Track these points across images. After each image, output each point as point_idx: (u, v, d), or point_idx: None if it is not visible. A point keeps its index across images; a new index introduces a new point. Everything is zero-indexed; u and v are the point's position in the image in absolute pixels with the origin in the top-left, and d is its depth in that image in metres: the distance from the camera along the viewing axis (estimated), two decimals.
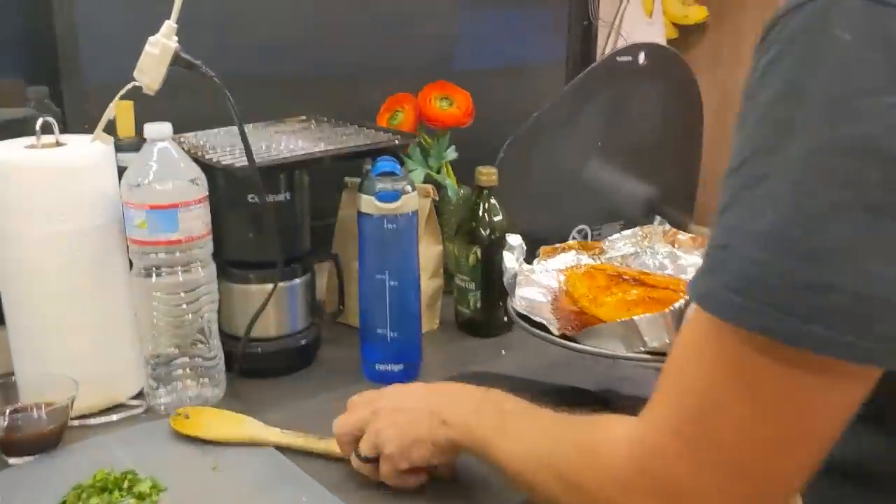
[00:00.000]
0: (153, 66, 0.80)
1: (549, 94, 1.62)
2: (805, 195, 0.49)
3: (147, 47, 0.81)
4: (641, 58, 1.47)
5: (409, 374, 1.10)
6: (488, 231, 1.20)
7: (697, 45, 1.68)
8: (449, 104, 1.30)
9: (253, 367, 1.06)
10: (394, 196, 1.05)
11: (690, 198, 1.68)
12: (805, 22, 0.51)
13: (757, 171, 0.52)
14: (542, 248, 1.10)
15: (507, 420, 0.74)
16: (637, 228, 1.13)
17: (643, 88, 1.50)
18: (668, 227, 1.15)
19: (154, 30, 0.83)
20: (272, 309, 1.07)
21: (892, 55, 0.48)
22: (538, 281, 1.06)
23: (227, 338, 1.06)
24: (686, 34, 1.69)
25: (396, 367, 1.10)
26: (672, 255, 1.11)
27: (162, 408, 0.99)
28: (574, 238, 1.51)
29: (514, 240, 1.06)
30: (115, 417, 0.97)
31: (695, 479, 0.56)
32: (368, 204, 1.04)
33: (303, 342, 1.12)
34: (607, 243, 1.12)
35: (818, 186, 0.49)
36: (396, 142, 1.12)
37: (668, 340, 0.86)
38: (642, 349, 0.88)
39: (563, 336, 0.94)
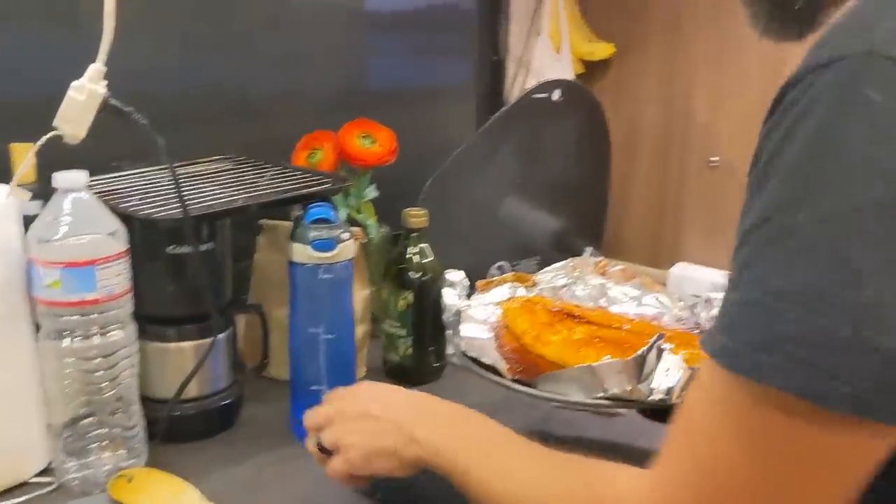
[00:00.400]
0: (78, 113, 0.72)
1: (460, 130, 1.62)
2: (840, 252, 0.47)
3: (71, 93, 0.72)
4: (556, 95, 1.47)
5: None
6: (419, 274, 1.16)
7: (602, 81, 1.71)
8: (371, 142, 1.25)
9: (174, 432, 0.98)
10: (330, 244, 0.99)
11: (600, 230, 1.69)
12: (834, 81, 0.50)
13: (784, 227, 0.50)
14: (478, 283, 1.06)
15: (492, 451, 0.71)
16: (569, 260, 1.12)
17: (557, 124, 1.51)
18: (599, 258, 1.14)
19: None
20: (193, 367, 0.99)
21: None
22: (477, 317, 1.02)
23: (143, 401, 0.96)
24: (592, 69, 1.71)
25: None
26: (602, 287, 1.10)
27: (75, 483, 0.89)
28: (493, 274, 1.49)
29: (455, 275, 1.02)
30: (23, 498, 0.87)
31: None
32: (302, 253, 0.98)
33: (227, 402, 1.04)
34: (540, 276, 1.11)
35: (854, 244, 0.47)
36: (332, 186, 1.06)
37: (628, 387, 0.84)
38: (601, 395, 0.86)
39: (517, 380, 0.91)
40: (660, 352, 0.84)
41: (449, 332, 0.98)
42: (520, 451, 0.70)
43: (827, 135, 0.49)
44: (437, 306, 1.17)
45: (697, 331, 0.98)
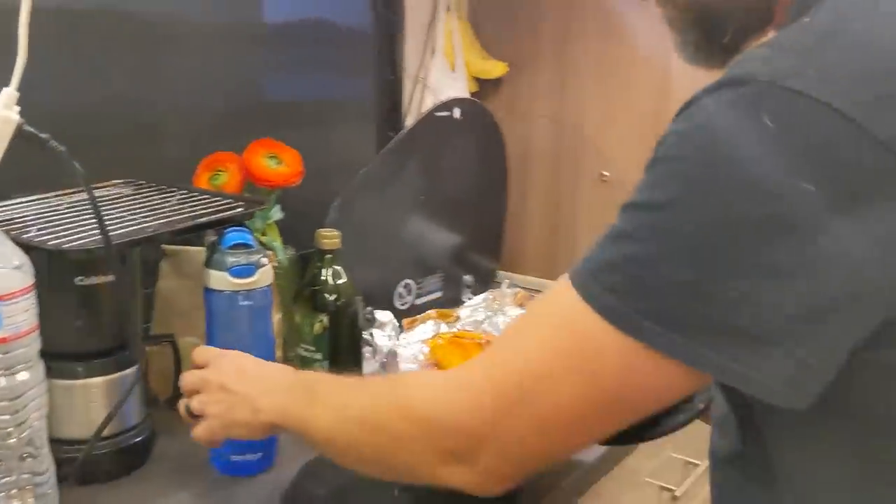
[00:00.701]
0: None
1: (360, 148, 1.61)
2: (700, 253, 0.53)
3: None
4: (457, 113, 1.49)
5: (267, 461, 1.02)
6: (334, 297, 1.14)
7: (496, 98, 1.74)
8: (277, 162, 1.23)
9: (86, 474, 0.92)
10: (249, 270, 0.96)
11: (498, 245, 1.72)
12: (736, 101, 0.53)
13: (663, 222, 0.55)
14: (405, 321, 1.06)
15: (319, 392, 0.78)
16: (487, 293, 1.14)
17: (458, 142, 1.53)
18: (517, 289, 1.16)
19: None
20: (103, 404, 0.94)
21: (809, 144, 0.52)
22: (407, 355, 1.03)
23: (51, 442, 0.90)
24: (485, 87, 1.74)
25: (254, 456, 1.00)
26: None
27: None
28: (399, 293, 1.49)
29: (384, 316, 1.01)
30: None
31: (498, 424, 0.61)
32: (220, 280, 0.95)
33: (139, 438, 0.99)
34: (461, 310, 1.12)
35: (720, 250, 0.53)
36: (247, 210, 1.03)
37: None
38: None
39: None
40: None
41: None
42: (344, 383, 0.79)
43: (719, 148, 0.53)
44: (352, 328, 1.17)
45: None
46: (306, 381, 0.82)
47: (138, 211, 1.00)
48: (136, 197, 1.07)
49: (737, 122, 0.53)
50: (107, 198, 1.05)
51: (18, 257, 0.80)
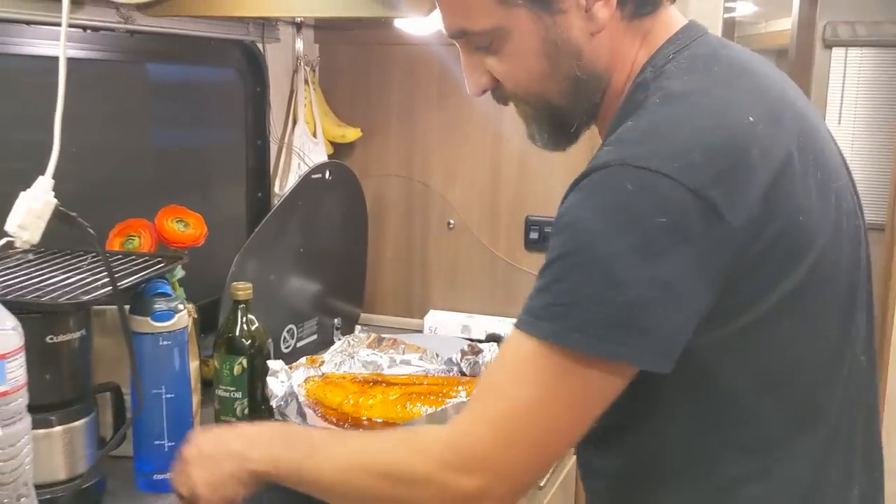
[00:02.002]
0: (33, 221, 0.79)
1: (233, 208, 1.76)
2: (604, 275, 0.73)
3: (27, 203, 0.79)
4: (328, 174, 1.70)
5: None
6: (249, 341, 1.30)
7: (350, 160, 1.95)
8: (185, 226, 1.37)
9: None
10: (169, 315, 1.13)
11: (361, 290, 1.93)
12: (604, 176, 0.75)
13: (567, 263, 0.75)
14: (308, 358, 1.21)
15: (317, 443, 0.87)
16: (343, 340, 1.29)
17: (329, 199, 1.73)
18: (368, 334, 1.33)
19: None
20: (62, 450, 1.05)
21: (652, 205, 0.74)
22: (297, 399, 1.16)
23: None
24: (340, 150, 1.95)
25: None
26: (374, 357, 1.29)
27: None
28: (284, 338, 1.65)
29: (276, 364, 1.16)
30: None
31: (499, 453, 0.76)
32: (144, 324, 1.10)
33: (97, 479, 1.10)
34: (326, 356, 1.27)
35: (616, 270, 0.73)
36: (169, 265, 1.18)
37: None
38: None
39: None
40: None
41: (296, 420, 1.11)
42: (344, 436, 0.90)
43: (600, 205, 0.74)
44: (265, 368, 1.33)
45: (460, 375, 1.20)
46: (297, 433, 0.90)
47: (72, 273, 1.11)
48: (49, 262, 1.16)
49: (607, 187, 0.76)
50: (23, 263, 1.15)
51: (11, 319, 0.92)
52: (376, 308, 2.00)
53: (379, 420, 1.08)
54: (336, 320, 1.84)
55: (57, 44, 1.27)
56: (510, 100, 0.91)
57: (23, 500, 0.94)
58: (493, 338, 1.20)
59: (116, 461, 1.16)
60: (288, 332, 1.66)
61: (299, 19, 1.79)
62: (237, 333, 1.30)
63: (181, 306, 1.16)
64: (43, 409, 1.03)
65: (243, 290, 1.31)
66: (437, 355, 1.25)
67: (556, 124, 0.91)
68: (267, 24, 1.71)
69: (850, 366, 0.87)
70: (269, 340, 1.34)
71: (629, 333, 0.74)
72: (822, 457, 0.85)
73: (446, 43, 1.81)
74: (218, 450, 0.91)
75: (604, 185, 0.75)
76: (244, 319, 1.31)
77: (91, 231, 0.87)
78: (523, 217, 1.87)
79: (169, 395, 1.13)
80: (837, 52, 3.64)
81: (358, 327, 1.38)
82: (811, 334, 0.82)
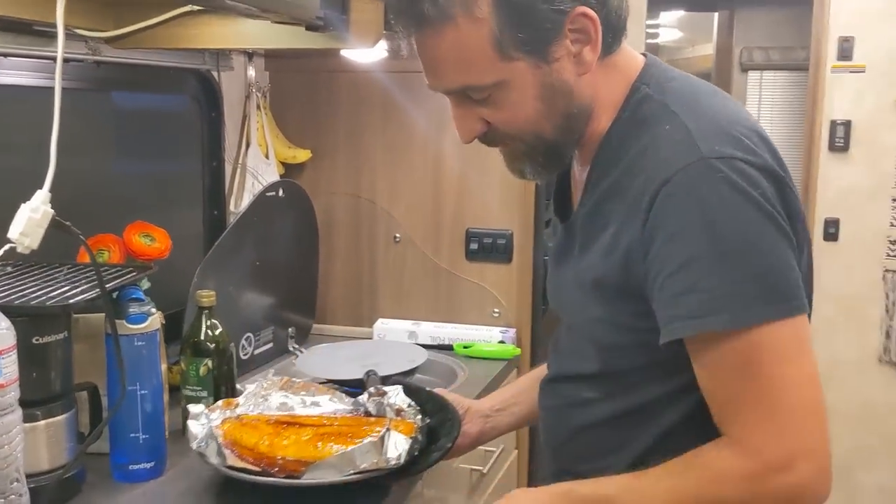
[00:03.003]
0: (34, 229, 0.90)
1: (190, 225, 1.87)
2: (720, 271, 0.86)
3: (28, 213, 0.90)
4: (280, 192, 1.82)
5: (158, 469, 1.28)
6: (214, 344, 1.41)
7: (300, 179, 2.07)
8: (151, 240, 1.48)
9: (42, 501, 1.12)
10: (143, 318, 1.24)
11: (313, 302, 2.05)
12: (690, 175, 0.87)
13: (700, 266, 0.86)
14: (225, 402, 1.26)
15: (624, 497, 0.93)
16: (256, 384, 1.31)
17: (282, 216, 1.85)
18: (280, 377, 1.38)
19: None
20: (45, 442, 1.15)
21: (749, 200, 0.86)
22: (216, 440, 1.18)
23: None
24: (291, 170, 2.08)
25: (148, 465, 1.27)
26: (286, 399, 1.31)
27: None
28: (243, 345, 1.76)
29: (197, 408, 1.20)
30: None
31: (801, 439, 0.86)
32: (120, 326, 1.21)
33: (78, 469, 1.20)
34: (241, 399, 1.31)
35: (723, 268, 0.86)
36: (140, 273, 1.29)
37: (375, 460, 1.12)
38: (352, 472, 1.13)
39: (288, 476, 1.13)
40: (388, 431, 1.16)
41: (216, 460, 1.16)
42: (641, 485, 0.92)
43: (702, 214, 0.87)
44: (230, 368, 1.44)
45: (366, 415, 1.24)
46: (589, 495, 0.95)
47: (51, 282, 1.22)
48: (24, 273, 1.27)
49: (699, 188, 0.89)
50: (7, 274, 1.25)
51: (4, 320, 1.02)
52: (328, 318, 2.12)
53: (291, 458, 1.13)
54: (290, 329, 1.96)
55: (25, 74, 1.39)
56: (502, 141, 1.00)
57: (14, 484, 1.04)
58: (397, 381, 1.32)
59: (93, 457, 1.25)
60: (246, 339, 1.78)
61: (251, 49, 1.91)
62: (202, 337, 1.41)
63: (153, 310, 1.27)
64: (29, 405, 1.12)
65: (207, 297, 1.42)
66: (345, 396, 1.33)
67: (550, 156, 1.01)
68: (221, 54, 1.83)
69: None
70: (232, 344, 1.45)
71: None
72: None
73: (389, 70, 1.96)
74: None
75: (703, 179, 0.86)
76: (208, 324, 1.42)
77: (83, 238, 0.98)
78: (464, 230, 2.02)
79: (143, 392, 1.24)
80: (753, 75, 3.90)
81: (270, 371, 1.45)
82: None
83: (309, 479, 1.13)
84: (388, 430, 1.15)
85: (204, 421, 1.19)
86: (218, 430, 1.17)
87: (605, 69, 0.98)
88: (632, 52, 1.02)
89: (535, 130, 0.98)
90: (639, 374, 0.97)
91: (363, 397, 1.26)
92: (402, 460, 1.14)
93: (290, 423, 1.20)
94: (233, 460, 1.15)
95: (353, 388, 1.67)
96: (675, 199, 0.87)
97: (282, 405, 1.27)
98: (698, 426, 0.92)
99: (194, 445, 1.17)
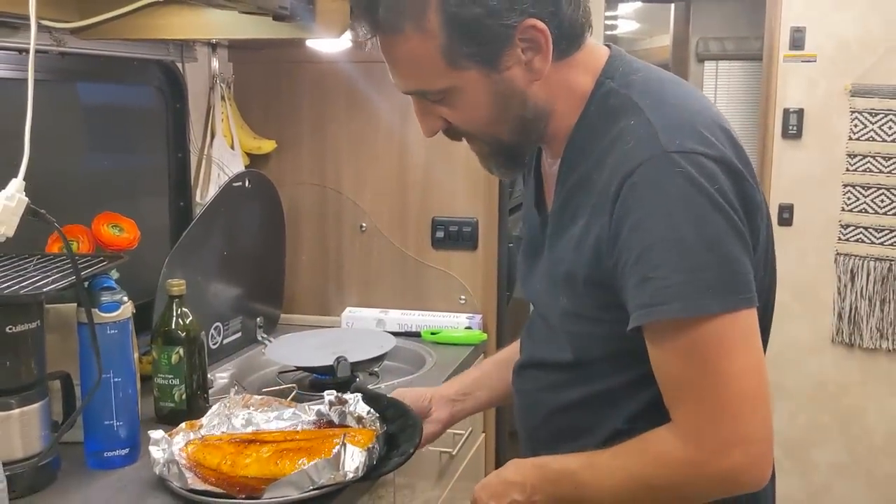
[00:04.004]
0: (9, 217, 0.91)
1: (157, 214, 1.88)
2: (682, 253, 0.89)
3: (3, 201, 0.91)
4: (247, 182, 1.83)
5: (132, 456, 1.29)
6: (185, 333, 1.42)
7: (266, 170, 2.08)
8: (120, 230, 1.49)
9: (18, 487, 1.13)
10: (115, 307, 1.26)
11: (280, 291, 2.06)
12: (652, 169, 0.90)
13: (655, 255, 0.90)
14: (170, 433, 1.26)
15: (580, 478, 0.99)
16: (219, 403, 1.32)
17: (248, 206, 1.86)
18: (243, 394, 1.39)
19: None
20: (19, 431, 1.16)
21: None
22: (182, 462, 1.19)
23: None
24: (256, 161, 2.08)
25: (122, 451, 1.28)
26: (249, 415, 1.32)
27: None
28: (212, 335, 1.78)
29: (157, 434, 1.20)
30: None
31: (743, 425, 0.89)
32: (93, 315, 1.21)
33: (53, 457, 1.21)
34: (204, 420, 1.31)
35: (688, 253, 0.89)
36: (112, 262, 1.30)
37: (331, 475, 1.14)
38: (311, 487, 1.14)
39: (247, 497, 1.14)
40: (344, 446, 1.16)
41: (177, 484, 1.16)
42: (598, 462, 0.99)
43: (664, 204, 0.90)
44: (201, 357, 1.46)
45: (328, 425, 1.27)
46: (558, 469, 1.02)
47: (21, 272, 1.22)
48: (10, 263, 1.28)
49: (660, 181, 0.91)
50: None
51: None
52: (295, 308, 2.14)
53: (252, 477, 1.14)
54: (259, 319, 1.98)
55: None
56: (463, 138, 1.04)
57: None
58: (357, 388, 1.34)
59: (66, 447, 1.26)
60: (215, 329, 1.79)
61: (214, 40, 1.92)
62: (173, 326, 1.42)
63: (125, 299, 1.28)
64: (4, 393, 1.14)
65: (177, 286, 1.44)
66: (308, 408, 1.34)
67: (508, 157, 1.05)
68: (185, 46, 1.84)
69: None
70: (202, 332, 1.47)
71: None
72: None
73: (353, 61, 1.98)
74: (503, 499, 1.03)
75: (662, 172, 0.89)
76: (178, 313, 1.43)
77: (57, 225, 0.99)
78: (430, 218, 2.05)
79: (116, 380, 1.25)
80: (709, 65, 3.98)
81: (233, 389, 1.45)
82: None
83: (269, 497, 1.14)
84: (343, 444, 1.15)
85: (165, 446, 1.19)
86: (182, 453, 1.18)
87: (566, 69, 1.00)
88: (595, 47, 1.04)
89: (491, 133, 1.01)
90: (607, 362, 1.01)
91: (324, 407, 1.29)
92: (360, 473, 1.15)
93: (252, 440, 1.20)
94: (194, 482, 1.15)
95: (323, 374, 1.72)
96: (637, 191, 0.90)
97: (247, 422, 1.28)
98: (663, 411, 0.96)
99: (157, 471, 1.18)
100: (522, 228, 1.21)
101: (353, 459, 1.15)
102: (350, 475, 1.14)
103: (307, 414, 1.30)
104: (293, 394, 1.52)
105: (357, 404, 1.27)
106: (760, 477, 0.92)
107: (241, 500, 1.14)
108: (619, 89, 0.99)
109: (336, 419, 1.26)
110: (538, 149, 1.12)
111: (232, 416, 1.29)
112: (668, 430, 0.94)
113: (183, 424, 1.27)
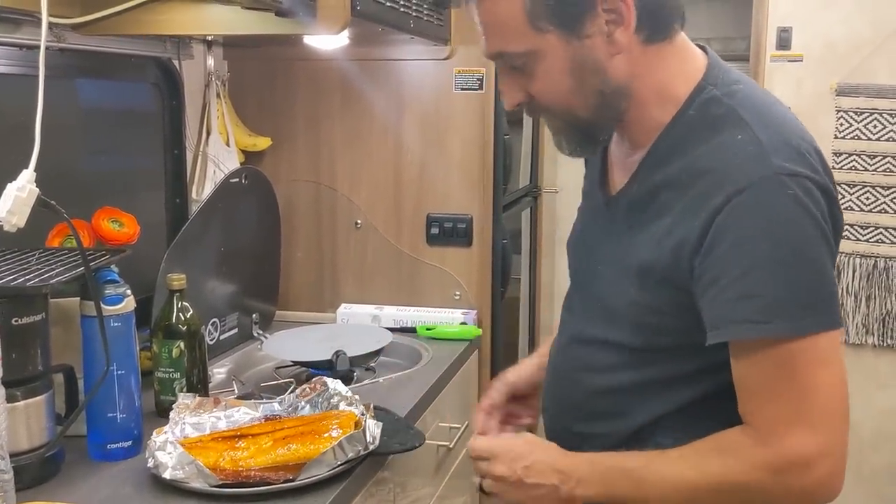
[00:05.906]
0: (21, 208, 0.92)
1: (154, 210, 1.88)
2: (788, 279, 0.93)
3: (15, 192, 0.91)
4: (244, 178, 1.84)
5: (135, 449, 1.30)
6: (186, 326, 1.43)
7: (261, 166, 2.09)
8: (120, 225, 1.49)
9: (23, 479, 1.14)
10: (119, 299, 1.27)
11: (275, 287, 2.07)
12: (759, 191, 0.92)
13: (760, 274, 0.92)
14: (157, 430, 1.28)
15: (641, 475, 0.98)
16: (174, 409, 1.30)
17: (245, 202, 1.87)
18: (194, 397, 1.35)
19: None
20: (24, 422, 1.17)
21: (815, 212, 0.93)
22: (174, 462, 1.17)
23: None
24: (251, 158, 2.09)
25: (126, 444, 1.29)
26: (227, 414, 1.34)
27: None
28: (209, 330, 1.78)
29: (160, 438, 1.20)
30: None
31: (823, 441, 0.92)
32: (96, 308, 1.22)
33: (58, 448, 1.21)
34: (165, 428, 1.31)
35: (786, 276, 0.92)
36: (115, 255, 1.31)
37: (359, 448, 1.21)
38: (339, 463, 1.19)
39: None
40: (364, 416, 1.27)
41: (200, 484, 1.15)
42: (660, 461, 0.99)
43: (767, 225, 0.93)
44: (202, 351, 1.47)
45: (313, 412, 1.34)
46: (613, 466, 1.00)
47: (25, 266, 1.23)
48: (3, 256, 1.27)
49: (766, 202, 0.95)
50: None
51: None
52: (291, 304, 2.15)
53: (257, 468, 1.15)
54: (255, 315, 1.98)
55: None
56: (541, 113, 1.06)
57: (1, 462, 1.05)
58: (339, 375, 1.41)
59: (68, 439, 1.26)
60: (212, 325, 1.80)
61: (210, 37, 1.93)
62: (173, 320, 1.43)
63: (128, 292, 1.29)
64: (9, 385, 1.14)
65: (178, 280, 1.45)
66: (263, 397, 1.37)
67: (582, 134, 1.06)
68: (181, 43, 1.85)
69: None
70: (203, 326, 1.48)
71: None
72: None
73: (349, 58, 2.00)
74: (538, 480, 1.03)
75: (773, 194, 0.92)
76: (179, 307, 1.44)
77: (67, 217, 1.00)
78: (424, 215, 2.07)
79: (120, 372, 1.26)
80: None
81: (191, 394, 1.45)
82: None
83: (305, 478, 1.17)
84: (363, 416, 1.24)
85: (171, 450, 1.17)
86: (178, 446, 1.16)
87: (655, 56, 1.00)
88: (692, 48, 1.05)
89: (568, 106, 1.02)
90: (667, 351, 1.03)
91: (292, 396, 1.35)
92: (377, 443, 1.24)
93: (237, 436, 1.21)
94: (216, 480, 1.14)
95: (320, 369, 1.73)
96: (745, 209, 0.92)
97: (197, 425, 1.28)
98: (711, 407, 0.99)
99: (168, 476, 1.14)
100: (583, 203, 1.21)
101: (371, 430, 1.25)
102: (370, 446, 1.23)
103: (259, 412, 1.34)
104: (291, 388, 1.53)
105: (336, 383, 1.33)
106: (836, 491, 0.94)
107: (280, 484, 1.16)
108: (723, 98, 1.00)
109: (310, 408, 1.33)
110: None
111: (210, 416, 1.30)
112: (750, 435, 0.96)
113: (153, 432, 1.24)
